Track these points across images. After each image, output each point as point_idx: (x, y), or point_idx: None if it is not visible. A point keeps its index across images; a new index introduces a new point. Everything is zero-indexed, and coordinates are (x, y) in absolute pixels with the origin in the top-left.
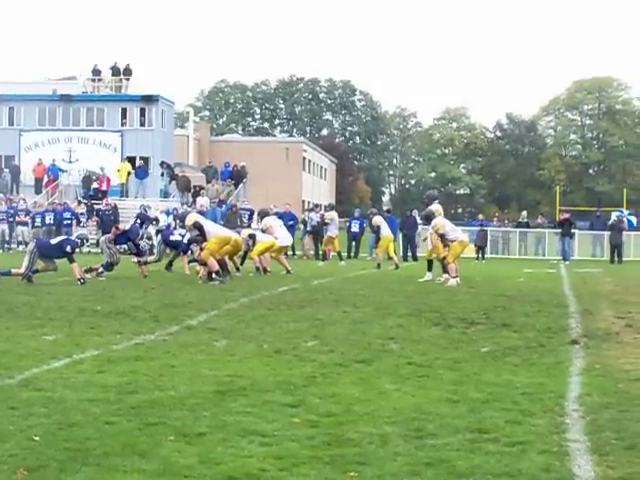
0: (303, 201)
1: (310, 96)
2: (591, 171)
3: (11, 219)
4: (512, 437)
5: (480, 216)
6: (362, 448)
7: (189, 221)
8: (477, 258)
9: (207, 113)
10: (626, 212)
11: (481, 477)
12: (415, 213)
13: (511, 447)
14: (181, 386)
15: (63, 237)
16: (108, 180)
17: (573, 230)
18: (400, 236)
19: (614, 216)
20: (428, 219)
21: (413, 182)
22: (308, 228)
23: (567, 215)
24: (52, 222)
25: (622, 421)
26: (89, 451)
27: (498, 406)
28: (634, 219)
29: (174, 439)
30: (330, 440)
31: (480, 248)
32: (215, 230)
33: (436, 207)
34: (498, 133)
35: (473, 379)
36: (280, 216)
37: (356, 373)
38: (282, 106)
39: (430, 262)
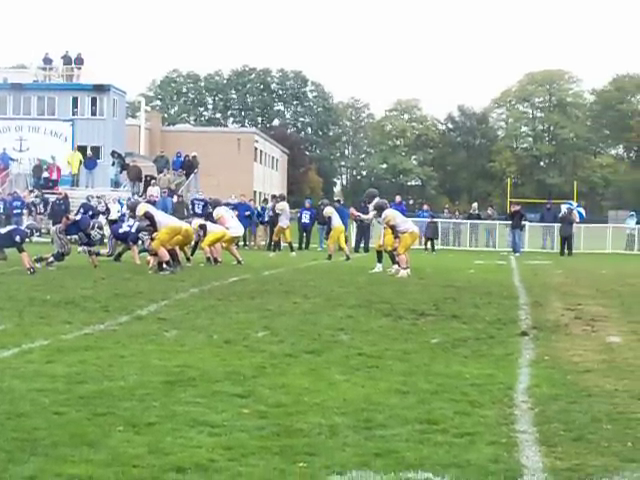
0: (255, 192)
1: (262, 86)
2: (542, 163)
3: None
4: (461, 428)
5: (425, 207)
6: (311, 439)
7: (140, 211)
8: (426, 249)
9: (159, 103)
10: (575, 204)
11: (430, 468)
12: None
13: (460, 438)
14: (130, 376)
15: (12, 227)
16: (58, 169)
17: (524, 222)
18: (353, 227)
19: (564, 208)
20: (380, 210)
21: (365, 173)
22: (265, 219)
23: (518, 207)
24: (2, 211)
25: (570, 412)
26: (37, 441)
27: (447, 397)
28: (583, 211)
29: (123, 429)
30: (279, 431)
31: (430, 239)
32: (166, 220)
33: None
34: (450, 125)
35: (423, 370)
36: (235, 207)
37: (306, 364)
38: (234, 96)
39: (379, 253)
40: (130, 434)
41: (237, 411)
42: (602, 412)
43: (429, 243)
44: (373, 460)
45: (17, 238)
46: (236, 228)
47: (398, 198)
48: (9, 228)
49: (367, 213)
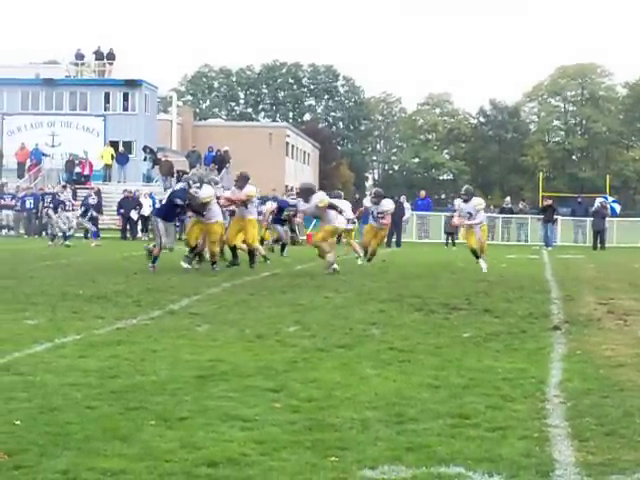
0: (286, 186)
1: (293, 81)
2: (574, 157)
3: None
4: (493, 422)
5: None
6: (343, 433)
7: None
8: (447, 244)
9: (190, 98)
10: (610, 199)
11: (461, 462)
12: (403, 199)
13: (492, 432)
14: (162, 371)
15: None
16: (91, 164)
17: (556, 216)
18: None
19: (597, 202)
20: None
21: (397, 168)
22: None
23: (550, 201)
24: (32, 206)
25: (603, 407)
26: (70, 435)
27: (479, 391)
28: (618, 206)
29: (155, 424)
30: (311, 425)
31: (450, 234)
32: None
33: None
34: (481, 119)
35: (454, 364)
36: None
37: (337, 358)
38: (265, 91)
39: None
40: (162, 428)
41: (269, 405)
42: (635, 406)
43: (450, 238)
44: (405, 454)
45: (177, 201)
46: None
47: (423, 193)
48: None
49: (400, 209)
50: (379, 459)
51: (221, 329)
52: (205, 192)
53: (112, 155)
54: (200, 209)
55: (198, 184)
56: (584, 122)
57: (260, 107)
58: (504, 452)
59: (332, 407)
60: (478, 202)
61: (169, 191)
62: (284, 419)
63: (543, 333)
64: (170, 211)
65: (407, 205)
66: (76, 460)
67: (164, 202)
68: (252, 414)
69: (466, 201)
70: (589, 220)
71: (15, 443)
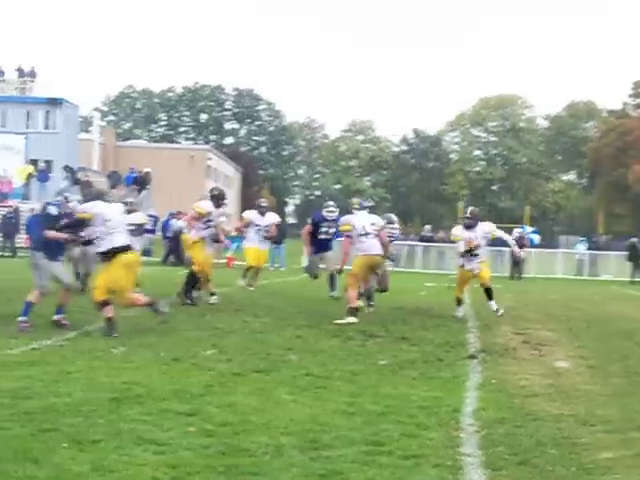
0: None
1: (215, 104)
2: (494, 187)
3: None
4: (407, 450)
5: None
6: (257, 458)
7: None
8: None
9: (113, 118)
10: (530, 229)
11: None
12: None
13: (405, 460)
14: (76, 392)
15: None
16: (10, 183)
17: None
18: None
19: (516, 233)
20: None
21: (318, 193)
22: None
23: None
24: None
25: (516, 436)
26: None
27: (394, 419)
28: (537, 237)
29: (68, 446)
30: (225, 450)
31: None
32: None
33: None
34: (404, 147)
35: (370, 391)
36: None
37: (254, 383)
38: (187, 113)
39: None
40: (75, 451)
41: (183, 429)
42: (547, 436)
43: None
44: None
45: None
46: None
47: None
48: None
49: None
50: None
51: (137, 351)
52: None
53: (29, 173)
54: (77, 225)
55: (79, 198)
56: (505, 153)
57: (181, 129)
58: None
59: (247, 432)
60: (489, 228)
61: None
62: (198, 443)
63: (459, 362)
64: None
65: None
66: None
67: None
68: (166, 438)
69: (470, 227)
70: (508, 250)
71: None
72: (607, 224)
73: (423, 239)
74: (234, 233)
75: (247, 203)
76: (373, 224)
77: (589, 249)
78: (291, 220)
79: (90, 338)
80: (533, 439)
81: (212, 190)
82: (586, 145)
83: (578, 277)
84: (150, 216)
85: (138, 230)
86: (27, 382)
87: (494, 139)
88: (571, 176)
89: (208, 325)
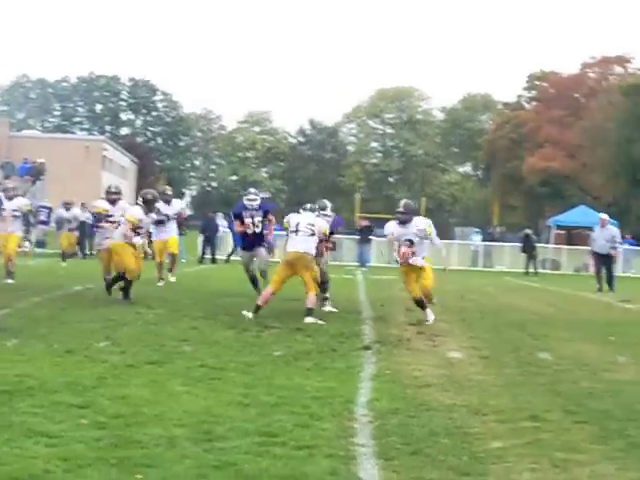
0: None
1: (110, 94)
2: (391, 179)
3: None
4: (300, 441)
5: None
6: (149, 450)
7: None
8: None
9: (6, 108)
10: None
11: None
12: (219, 216)
13: (298, 450)
14: None
15: None
16: None
17: (371, 237)
18: (201, 237)
19: None
20: None
21: (215, 184)
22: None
23: (367, 222)
24: None
25: (409, 426)
26: None
27: (288, 409)
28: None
29: None
30: (117, 442)
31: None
32: None
33: None
34: (301, 138)
35: (264, 382)
36: None
37: (147, 375)
38: (82, 103)
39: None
40: None
41: (75, 422)
42: (440, 426)
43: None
44: (211, 472)
45: None
46: None
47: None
48: None
49: (214, 225)
50: (185, 476)
51: (29, 344)
52: None
53: None
54: None
55: None
56: (401, 145)
57: (76, 120)
58: (309, 470)
59: (139, 424)
60: (426, 223)
61: None
62: (90, 436)
63: (353, 352)
64: None
65: (224, 222)
66: None
67: None
68: (58, 430)
69: (404, 223)
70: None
71: None
72: (502, 216)
73: None
74: None
75: None
76: (310, 225)
77: (484, 240)
78: (188, 212)
79: None
80: (426, 429)
81: (146, 194)
82: (481, 137)
83: (473, 268)
84: (44, 207)
85: (25, 218)
86: None
87: (391, 131)
88: (467, 168)
89: (101, 317)
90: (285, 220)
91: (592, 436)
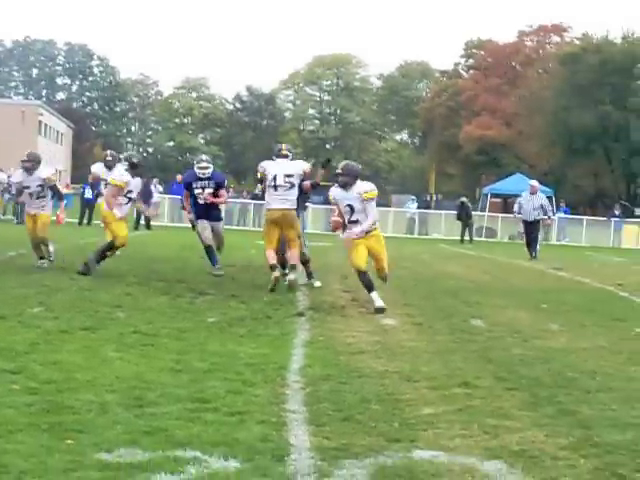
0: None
1: (46, 59)
2: (328, 146)
3: None
4: (232, 407)
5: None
6: (81, 416)
7: None
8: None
9: None
10: None
11: (198, 446)
12: (154, 181)
13: (230, 417)
14: None
15: None
16: None
17: (307, 204)
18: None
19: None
20: None
21: (151, 150)
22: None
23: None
24: None
25: (340, 393)
26: None
27: (221, 376)
28: None
29: None
30: (49, 407)
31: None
32: None
33: None
34: (238, 105)
35: (198, 349)
36: None
37: (80, 340)
38: (17, 68)
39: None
40: None
41: (7, 387)
42: (372, 393)
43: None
44: (142, 438)
45: None
46: None
47: (179, 177)
48: None
49: (149, 191)
50: (116, 442)
51: None
52: None
53: None
54: None
55: None
56: (338, 112)
57: (12, 84)
58: (241, 436)
59: (71, 390)
60: (368, 187)
61: None
62: (22, 401)
63: (287, 319)
64: None
65: (159, 188)
66: None
67: None
68: None
69: (344, 186)
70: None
71: None
72: (438, 184)
73: (256, 197)
74: (66, 190)
75: (79, 160)
76: (289, 176)
77: (419, 208)
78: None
79: None
80: (357, 396)
81: (130, 157)
82: (418, 105)
83: (408, 236)
84: None
85: None
86: None
87: (328, 98)
88: (403, 135)
89: (35, 283)
90: (260, 169)
91: (522, 403)
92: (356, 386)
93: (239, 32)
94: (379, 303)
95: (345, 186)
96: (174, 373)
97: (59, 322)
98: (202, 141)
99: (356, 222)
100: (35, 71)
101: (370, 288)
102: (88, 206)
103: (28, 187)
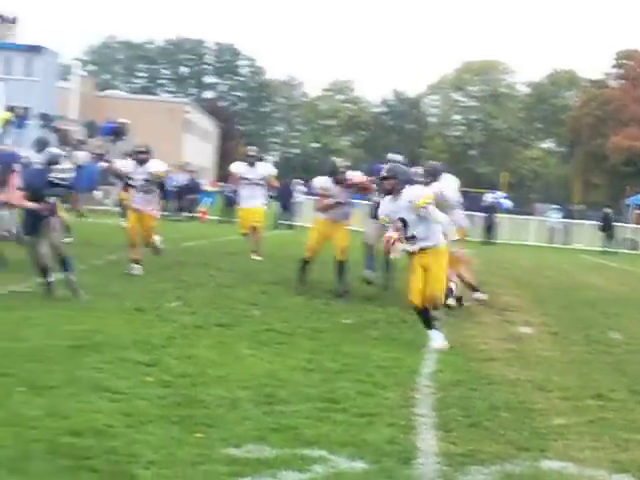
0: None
1: (195, 58)
2: (472, 152)
3: None
4: (362, 408)
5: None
6: (211, 410)
7: None
8: None
9: (94, 68)
10: (500, 194)
11: (326, 445)
12: (296, 182)
13: (359, 418)
14: (36, 338)
15: None
16: None
17: None
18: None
19: (489, 198)
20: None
21: (296, 151)
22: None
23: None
24: None
25: (469, 399)
26: None
27: (352, 377)
28: (508, 202)
29: (24, 390)
30: (181, 401)
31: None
32: None
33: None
34: (383, 108)
35: (331, 349)
36: None
37: (215, 336)
38: (167, 66)
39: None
40: (30, 395)
41: (141, 379)
42: (501, 400)
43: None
44: (270, 435)
45: None
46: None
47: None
48: None
49: (289, 192)
50: (244, 438)
51: (101, 300)
52: None
53: (6, 119)
54: None
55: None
56: (484, 118)
57: (161, 82)
58: (369, 438)
59: (204, 384)
60: (419, 192)
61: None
62: (155, 393)
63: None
64: None
65: (302, 189)
66: None
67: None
68: (123, 386)
69: (391, 193)
70: (481, 215)
71: None
72: (583, 193)
73: None
74: (209, 188)
75: (225, 158)
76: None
77: (563, 218)
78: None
79: (56, 286)
80: (486, 402)
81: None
82: (566, 114)
83: (550, 245)
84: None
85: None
86: None
87: (474, 104)
88: (549, 144)
89: (174, 278)
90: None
91: None
92: (485, 393)
93: (386, 36)
94: (439, 344)
95: (391, 193)
96: (306, 372)
97: (195, 317)
98: (347, 143)
99: (413, 239)
100: (184, 69)
101: (429, 325)
102: (229, 204)
103: (133, 179)
